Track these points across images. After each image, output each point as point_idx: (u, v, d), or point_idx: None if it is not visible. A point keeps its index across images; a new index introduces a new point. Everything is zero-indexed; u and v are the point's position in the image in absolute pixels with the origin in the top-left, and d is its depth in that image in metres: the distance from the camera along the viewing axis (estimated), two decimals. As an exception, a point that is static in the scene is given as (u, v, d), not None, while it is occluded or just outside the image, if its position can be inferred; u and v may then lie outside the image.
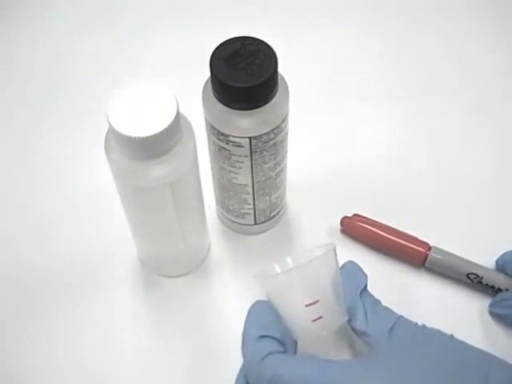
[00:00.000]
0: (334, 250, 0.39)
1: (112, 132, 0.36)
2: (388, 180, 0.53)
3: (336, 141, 0.56)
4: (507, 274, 0.46)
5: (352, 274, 0.40)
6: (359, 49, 0.62)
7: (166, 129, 0.36)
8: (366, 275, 0.40)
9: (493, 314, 0.46)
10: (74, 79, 0.60)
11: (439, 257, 0.47)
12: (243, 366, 0.40)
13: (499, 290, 0.46)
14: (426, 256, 0.47)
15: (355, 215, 0.50)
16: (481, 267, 0.47)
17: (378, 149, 0.55)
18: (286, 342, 0.39)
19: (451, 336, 0.37)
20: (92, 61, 0.62)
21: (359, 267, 0.41)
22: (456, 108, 0.58)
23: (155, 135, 0.35)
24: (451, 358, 0.36)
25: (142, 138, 0.35)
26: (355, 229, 0.49)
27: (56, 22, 0.65)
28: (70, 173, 0.54)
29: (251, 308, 0.40)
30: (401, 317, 0.38)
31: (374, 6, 0.65)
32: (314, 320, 0.38)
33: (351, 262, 0.41)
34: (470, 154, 0.55)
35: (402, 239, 0.48)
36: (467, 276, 0.46)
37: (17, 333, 0.47)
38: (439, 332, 0.37)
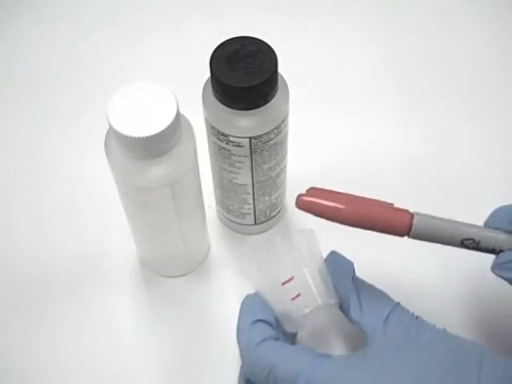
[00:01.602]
0: (311, 232, 0.40)
1: (112, 132, 0.36)
2: (389, 180, 0.53)
3: (336, 141, 0.56)
4: (505, 231, 0.38)
5: (337, 263, 0.40)
6: (359, 49, 0.62)
7: (166, 129, 0.36)
8: (351, 262, 0.40)
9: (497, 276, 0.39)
10: (74, 79, 0.60)
11: (425, 224, 0.38)
12: (242, 366, 0.40)
13: (501, 250, 0.38)
14: (410, 226, 0.37)
15: (311, 189, 0.38)
16: (475, 228, 0.38)
17: (379, 149, 0.55)
18: (279, 329, 0.39)
19: (444, 329, 0.37)
20: (92, 61, 0.62)
21: (343, 256, 0.41)
22: (454, 106, 0.58)
23: (155, 135, 0.35)
24: (445, 352, 0.36)
25: (142, 138, 0.35)
26: (316, 208, 0.37)
27: (56, 22, 0.65)
28: (70, 173, 0.54)
29: (243, 301, 0.40)
30: (397, 305, 0.38)
31: (375, 6, 0.65)
32: (293, 298, 0.38)
33: (333, 252, 0.41)
34: (469, 156, 0.55)
35: (376, 211, 0.38)
36: (462, 243, 0.38)
37: (18, 332, 0.47)
38: (433, 326, 0.38)
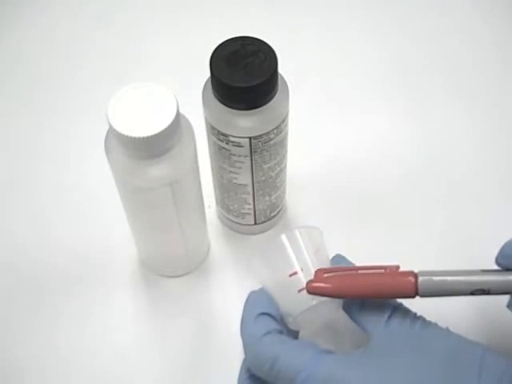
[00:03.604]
0: (318, 230, 0.41)
1: (112, 132, 0.36)
2: (390, 181, 0.53)
3: (336, 141, 0.56)
4: None
5: (342, 265, 0.41)
6: (359, 49, 0.62)
7: (166, 129, 0.36)
8: (355, 265, 0.41)
9: None
10: (74, 79, 0.60)
11: (430, 286, 0.37)
12: (245, 360, 0.40)
13: None
14: (416, 290, 0.37)
15: (318, 271, 0.39)
16: (483, 274, 0.37)
17: (379, 149, 0.55)
18: (283, 325, 0.39)
19: (447, 329, 0.38)
20: (92, 61, 0.62)
21: (347, 259, 0.41)
22: (455, 106, 0.58)
23: (155, 135, 0.35)
24: (446, 352, 0.36)
25: (142, 138, 0.35)
26: (324, 292, 0.39)
27: (56, 22, 0.65)
28: (70, 173, 0.54)
29: (248, 295, 0.40)
30: (399, 305, 0.38)
31: (375, 6, 0.65)
32: (300, 290, 0.38)
33: (339, 255, 0.42)
34: (468, 155, 0.55)
35: (380, 284, 0.38)
36: (472, 294, 0.37)
37: (18, 331, 0.47)
38: (436, 325, 0.38)
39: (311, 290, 0.39)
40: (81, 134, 0.56)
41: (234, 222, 0.50)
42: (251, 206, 0.47)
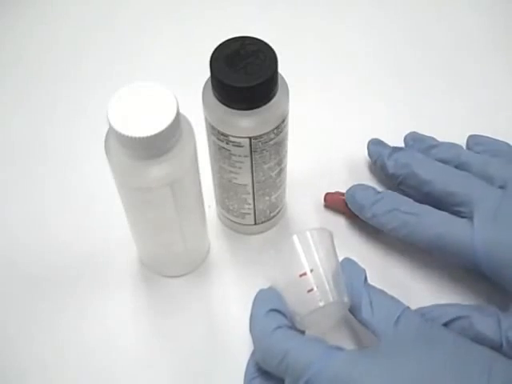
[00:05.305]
0: (328, 231, 0.41)
1: (112, 132, 0.36)
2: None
3: (336, 141, 0.56)
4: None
5: (350, 269, 0.41)
6: (359, 49, 0.62)
7: (166, 129, 0.36)
8: (363, 269, 0.41)
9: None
10: (74, 79, 0.60)
11: None
12: (252, 354, 0.40)
13: None
14: None
15: (337, 192, 0.51)
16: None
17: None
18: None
19: (453, 332, 0.38)
20: (92, 61, 0.62)
21: (356, 262, 0.42)
22: (454, 106, 0.58)
23: (155, 135, 0.35)
24: (454, 355, 0.36)
25: (142, 138, 0.35)
26: (339, 202, 0.51)
27: (56, 22, 0.65)
28: (70, 172, 0.54)
29: (257, 293, 0.40)
30: (406, 308, 0.39)
31: (375, 6, 0.65)
32: (309, 291, 0.39)
33: (347, 259, 0.42)
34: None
35: None
36: None
37: (17, 331, 0.47)
38: (444, 328, 0.38)
39: (330, 201, 0.51)
40: (81, 134, 0.56)
41: (234, 222, 0.50)
42: (251, 206, 0.47)
